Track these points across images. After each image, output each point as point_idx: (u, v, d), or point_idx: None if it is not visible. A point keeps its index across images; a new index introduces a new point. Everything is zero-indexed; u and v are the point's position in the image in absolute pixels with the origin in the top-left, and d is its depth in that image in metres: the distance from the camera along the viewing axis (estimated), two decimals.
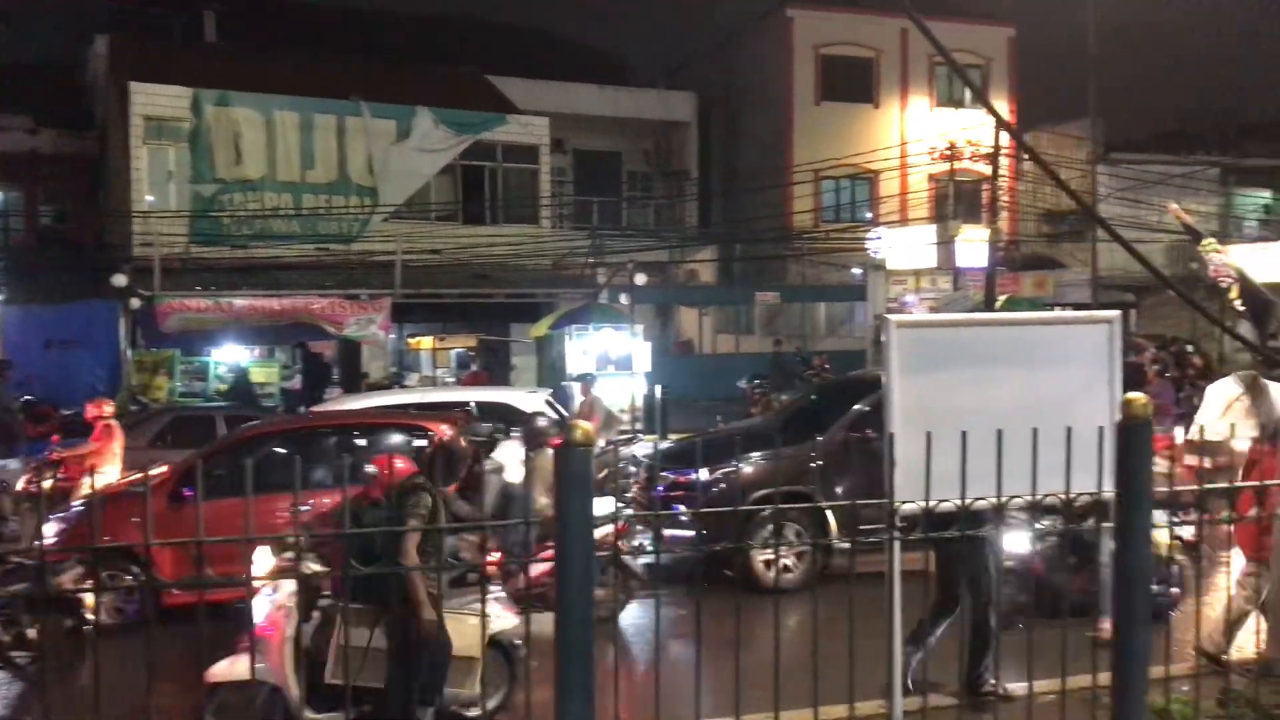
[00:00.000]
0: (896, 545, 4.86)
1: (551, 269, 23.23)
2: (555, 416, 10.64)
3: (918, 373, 5.47)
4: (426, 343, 24.03)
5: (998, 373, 5.57)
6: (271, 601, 5.69)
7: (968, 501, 4.04)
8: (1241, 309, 6.67)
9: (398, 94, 22.67)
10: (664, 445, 12.31)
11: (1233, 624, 6.06)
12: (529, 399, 11.33)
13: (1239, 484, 5.26)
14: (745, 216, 28.50)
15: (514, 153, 23.83)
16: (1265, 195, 30.41)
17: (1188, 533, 6.42)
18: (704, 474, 9.44)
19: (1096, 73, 27.00)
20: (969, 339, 5.68)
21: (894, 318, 5.45)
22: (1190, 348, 22.55)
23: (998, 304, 23.70)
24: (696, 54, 33.17)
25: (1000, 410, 5.44)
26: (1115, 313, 5.54)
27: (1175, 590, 7.09)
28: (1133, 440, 3.66)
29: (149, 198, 20.53)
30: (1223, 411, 7.00)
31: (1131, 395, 3.77)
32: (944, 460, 4.33)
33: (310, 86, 21.81)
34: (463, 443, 7.54)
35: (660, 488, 9.55)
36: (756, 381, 13.06)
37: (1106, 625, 6.28)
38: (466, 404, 10.57)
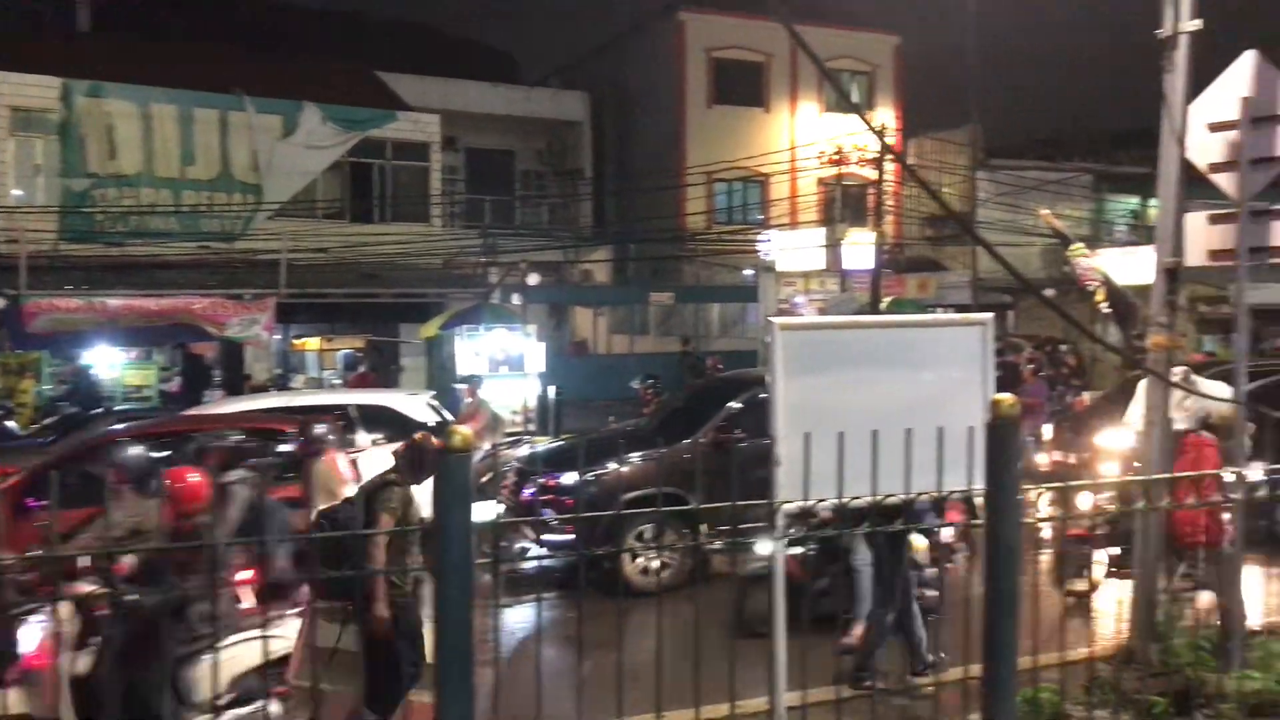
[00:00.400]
0: (780, 544, 4.94)
1: (442, 268, 22.94)
2: (439, 419, 10.51)
3: (802, 374, 5.56)
4: (313, 344, 23.45)
5: (879, 373, 5.71)
6: (44, 629, 5.16)
7: (845, 500, 4.11)
8: (1107, 311, 6.98)
9: (284, 89, 22.09)
10: (540, 447, 11.89)
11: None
12: (412, 402, 11.16)
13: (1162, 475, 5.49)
14: (640, 217, 28.61)
15: (404, 150, 23.47)
16: (1134, 201, 31.84)
17: (947, 533, 6.94)
18: (573, 477, 9.21)
19: (977, 81, 27.92)
20: (851, 341, 5.81)
21: (778, 320, 5.53)
22: (1064, 347, 23.50)
23: (883, 305, 24.32)
24: (590, 53, 33.17)
25: (881, 410, 5.59)
26: (988, 315, 5.73)
27: (933, 592, 7.06)
28: (1001, 438, 3.78)
29: (15, 191, 19.62)
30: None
31: (1000, 396, 3.89)
32: (827, 459, 4.42)
33: (191, 79, 21.10)
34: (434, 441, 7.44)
35: (529, 491, 9.39)
36: (650, 382, 13.11)
37: (857, 632, 6.58)
38: (340, 408, 10.32)
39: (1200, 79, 6.42)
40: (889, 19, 32.14)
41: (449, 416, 11.34)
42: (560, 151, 30.84)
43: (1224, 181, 6.40)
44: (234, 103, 21.42)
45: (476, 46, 34.60)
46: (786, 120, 30.25)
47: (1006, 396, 3.87)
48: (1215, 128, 6.37)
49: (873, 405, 5.56)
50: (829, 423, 5.47)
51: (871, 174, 25.26)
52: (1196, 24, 5.96)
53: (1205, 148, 6.44)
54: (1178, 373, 7.68)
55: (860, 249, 25.28)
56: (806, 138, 29.08)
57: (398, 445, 6.45)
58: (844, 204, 28.20)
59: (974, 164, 26.85)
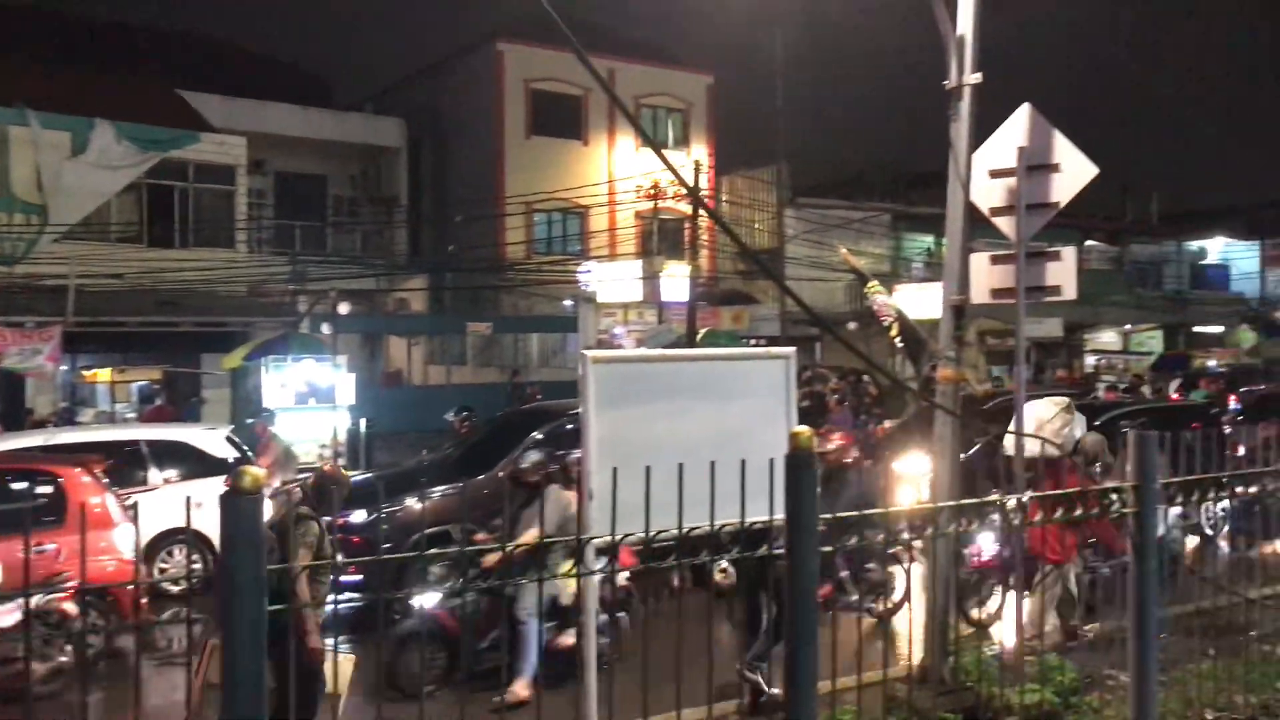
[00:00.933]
0: (594, 580, 4.92)
1: (247, 296, 21.99)
2: (239, 455, 10.02)
3: (613, 407, 5.60)
4: (105, 375, 21.99)
5: (689, 406, 5.81)
6: None
7: (652, 534, 4.14)
8: (900, 346, 7.36)
9: (74, 104, 20.77)
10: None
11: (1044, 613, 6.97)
12: (209, 437, 10.60)
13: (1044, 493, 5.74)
14: (458, 246, 28.31)
15: (207, 173, 22.44)
16: (929, 240, 33.78)
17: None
18: (362, 514, 8.73)
19: (787, 122, 29.07)
20: (662, 374, 5.89)
21: (590, 354, 5.54)
22: (866, 378, 24.61)
23: (699, 336, 24.89)
24: (407, 79, 32.71)
25: (691, 442, 5.69)
26: (790, 350, 5.93)
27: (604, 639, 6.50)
28: (799, 470, 3.90)
29: None
30: (1035, 431, 7.75)
31: (798, 429, 4.01)
32: (638, 492, 4.45)
33: None
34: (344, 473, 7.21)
35: None
36: (464, 414, 12.90)
37: (517, 689, 6.62)
38: (131, 443, 9.71)
39: (985, 127, 6.90)
40: (704, 59, 33.17)
41: (249, 452, 10.83)
42: (375, 178, 30.21)
43: (1004, 224, 6.87)
44: (16, 117, 20.00)
45: (292, 69, 33.52)
46: (605, 153, 30.65)
47: (804, 430, 3.99)
48: (996, 174, 6.83)
49: (683, 437, 5.65)
50: (640, 456, 5.53)
51: (688, 208, 25.89)
52: (977, 77, 6.39)
53: (987, 192, 6.90)
54: (1061, 402, 8.43)
55: (677, 282, 25.81)
56: (624, 171, 29.54)
57: (308, 477, 6.49)
58: (661, 237, 28.76)
59: (782, 202, 27.88)
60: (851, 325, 26.18)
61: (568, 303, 26.76)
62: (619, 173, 29.79)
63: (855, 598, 7.42)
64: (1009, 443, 7.23)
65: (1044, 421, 8.01)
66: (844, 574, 7.82)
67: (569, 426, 9.65)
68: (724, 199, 30.65)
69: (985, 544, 8.21)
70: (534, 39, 29.59)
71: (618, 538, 4.14)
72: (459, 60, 30.79)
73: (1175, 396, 20.60)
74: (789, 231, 28.45)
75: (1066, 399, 8.78)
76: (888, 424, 17.41)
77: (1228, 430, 10.82)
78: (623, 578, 7.15)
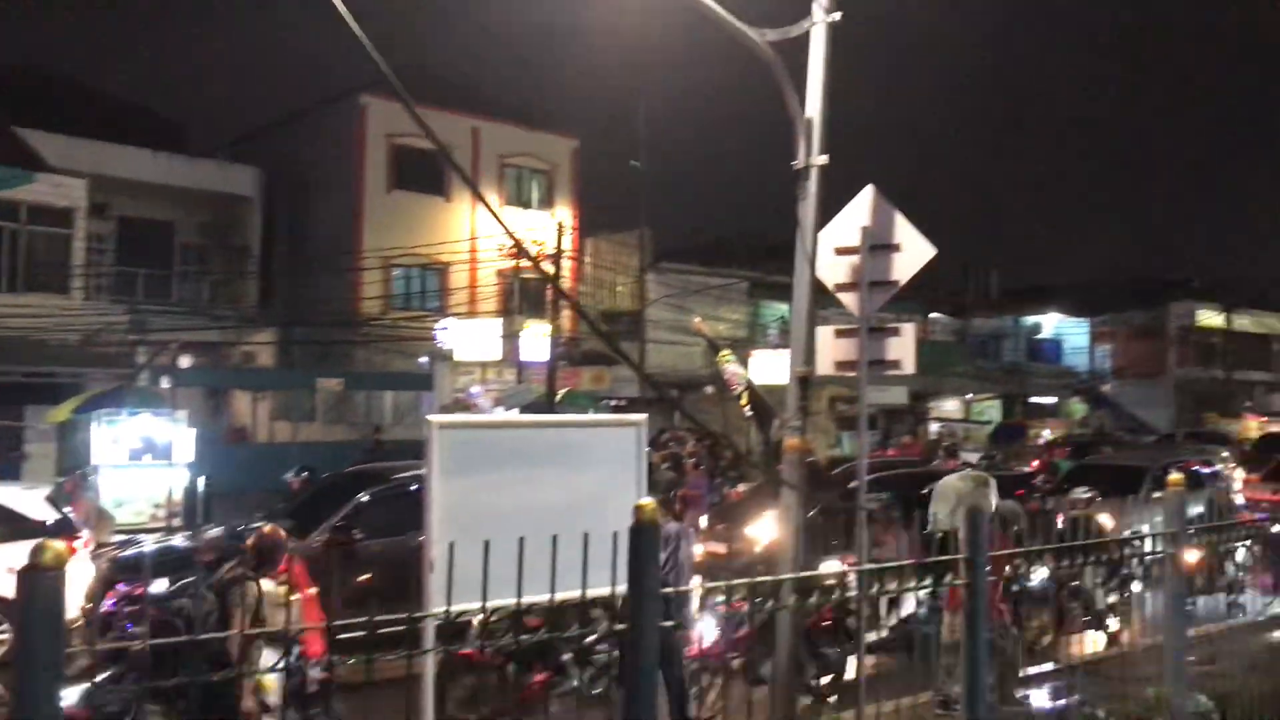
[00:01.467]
0: (430, 656, 4.77)
1: (80, 345, 20.83)
2: (59, 515, 9.40)
3: (459, 474, 5.50)
4: None
5: (538, 474, 5.76)
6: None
7: (489, 606, 4.03)
8: (750, 415, 7.50)
9: None
10: (149, 547, 10.12)
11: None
12: (25, 496, 9.89)
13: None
14: (311, 299, 27.56)
15: (42, 214, 21.32)
16: (784, 308, 34.75)
17: None
18: (164, 584, 8.04)
19: (650, 187, 29.58)
20: (510, 440, 5.83)
21: (435, 419, 5.45)
22: (725, 440, 24.93)
23: (558, 397, 24.83)
24: (267, 128, 31.92)
25: (540, 511, 5.63)
26: (642, 417, 5.96)
27: None
28: (641, 542, 3.88)
29: None
30: (954, 505, 8.26)
31: (642, 502, 4.00)
32: (480, 564, 4.34)
33: None
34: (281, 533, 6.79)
35: (110, 602, 8.12)
36: (304, 474, 12.45)
37: None
38: None
39: (833, 204, 7.16)
40: (571, 122, 33.57)
41: (69, 513, 10.16)
42: (226, 226, 29.21)
43: (848, 300, 7.11)
44: None
45: (146, 113, 32.25)
46: (467, 210, 30.51)
47: (649, 501, 3.99)
48: (841, 251, 7.08)
49: (532, 506, 5.59)
50: (486, 525, 5.44)
51: (550, 268, 25.94)
52: (823, 159, 6.64)
53: (833, 269, 7.14)
54: (979, 477, 8.94)
55: (537, 341, 25.75)
56: (487, 229, 29.48)
57: (249, 539, 6.16)
58: (523, 296, 28.72)
59: (644, 266, 28.28)
60: (709, 389, 26.58)
61: (423, 360, 26.34)
62: (482, 230, 29.69)
63: (575, 683, 7.18)
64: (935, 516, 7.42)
65: (964, 494, 8.50)
66: (565, 657, 7.46)
67: (402, 489, 9.37)
68: (587, 261, 30.87)
69: (708, 629, 7.47)
70: (397, 94, 29.42)
71: (454, 612, 4.02)
72: (321, 111, 30.28)
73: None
74: (650, 295, 28.84)
75: (982, 474, 9.31)
76: (742, 487, 17.64)
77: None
78: (316, 673, 6.10)
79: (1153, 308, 47.07)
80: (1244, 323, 45.45)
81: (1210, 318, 45.63)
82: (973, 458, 28.47)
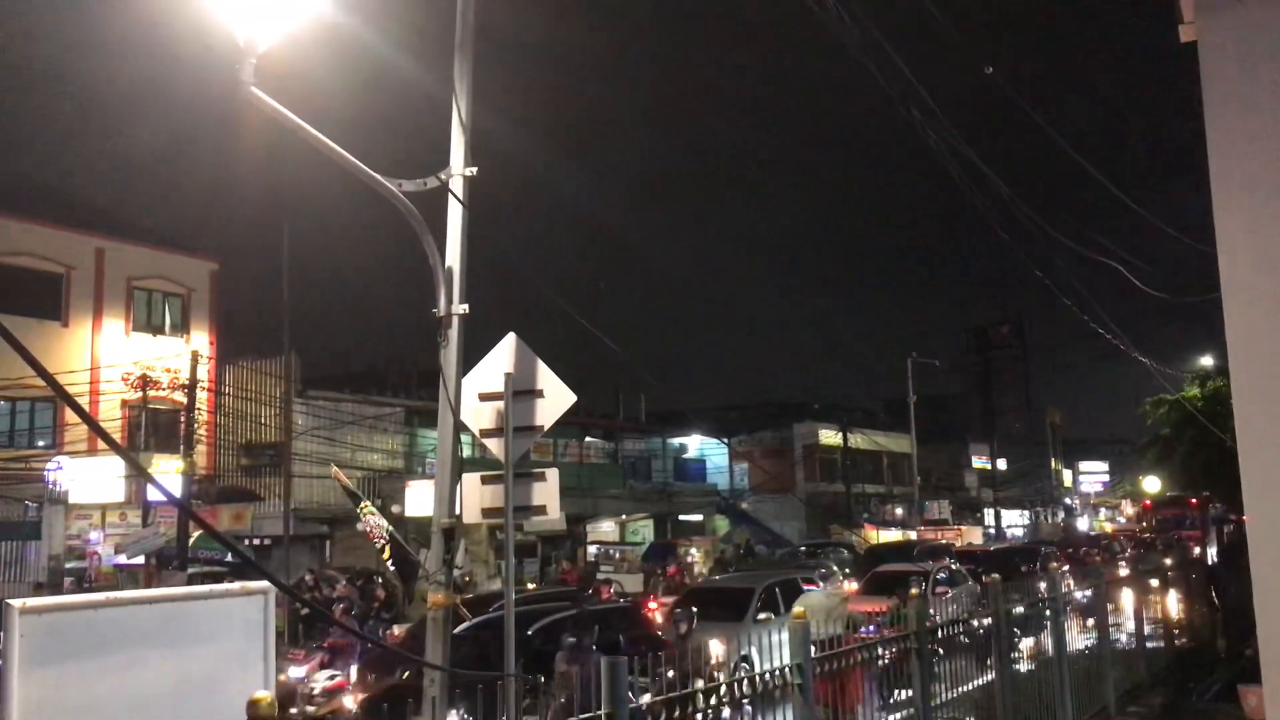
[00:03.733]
0: None
1: None
2: None
3: (48, 664, 4.78)
4: None
5: (143, 656, 5.12)
6: None
7: None
8: (393, 567, 7.18)
9: None
10: None
11: None
12: None
13: None
14: None
15: None
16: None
17: None
18: None
19: (296, 314, 28.48)
20: (111, 620, 5.14)
21: (14, 603, 4.71)
22: (379, 579, 23.91)
23: (192, 540, 22.79)
24: None
25: (145, 700, 5.01)
26: (267, 585, 5.49)
27: None
28: None
29: None
30: (825, 618, 9.33)
31: (257, 695, 3.64)
32: None
33: None
34: None
35: None
36: None
37: None
38: None
39: (484, 345, 7.15)
40: (212, 245, 31.83)
41: None
42: None
43: (493, 445, 7.07)
44: None
45: None
46: (88, 337, 27.81)
47: (265, 695, 3.63)
48: (485, 397, 7.05)
49: (135, 695, 4.96)
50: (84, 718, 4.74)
51: (184, 399, 24.07)
52: (464, 308, 6.63)
53: (477, 414, 7.09)
54: (839, 593, 10.90)
55: (168, 478, 23.58)
56: (111, 357, 26.97)
57: None
58: (153, 430, 26.38)
59: (290, 394, 26.94)
60: (360, 527, 25.49)
61: (31, 504, 23.33)
62: (105, 358, 27.11)
63: None
64: None
65: (831, 609, 10.03)
66: None
67: None
68: (226, 390, 28.98)
69: None
70: (7, 212, 26.64)
71: None
72: None
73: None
74: (298, 424, 27.45)
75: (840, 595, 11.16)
76: (397, 630, 16.85)
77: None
78: None
79: (780, 429, 51.40)
80: (858, 441, 50.62)
81: (830, 437, 50.45)
82: (629, 580, 29.28)
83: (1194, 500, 34.94)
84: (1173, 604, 13.16)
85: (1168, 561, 13.78)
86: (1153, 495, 46.97)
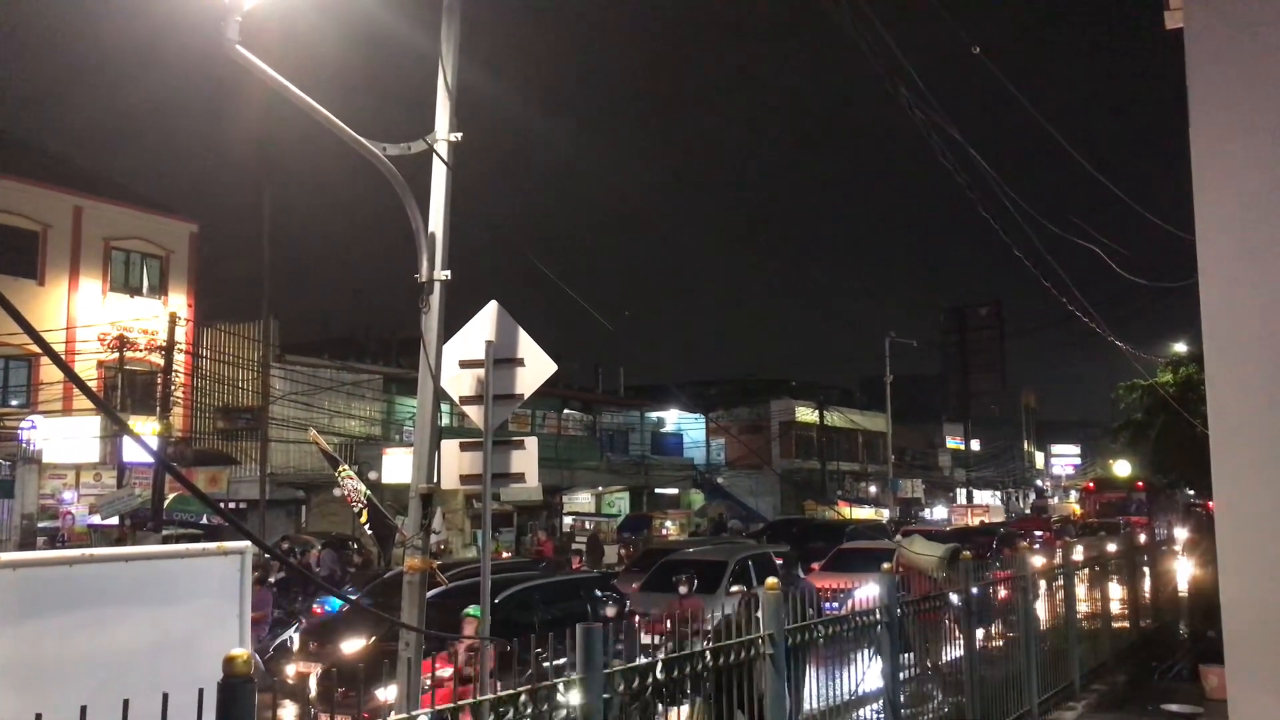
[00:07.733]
0: None
1: None
2: None
3: (18, 622, 4.77)
4: None
5: (121, 614, 5.13)
6: None
7: None
8: (370, 532, 7.19)
9: None
10: None
11: None
12: None
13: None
14: None
15: None
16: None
17: None
18: None
19: (276, 278, 28.28)
20: (85, 577, 5.14)
21: None
22: (355, 545, 23.95)
23: (166, 502, 22.73)
24: None
25: (122, 658, 5.01)
26: (246, 544, 5.50)
27: None
28: (232, 699, 3.52)
29: None
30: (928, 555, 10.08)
31: (234, 653, 3.64)
32: None
33: None
34: None
35: None
36: None
37: None
38: None
39: (463, 316, 7.13)
40: (192, 206, 31.48)
41: None
42: None
43: (473, 413, 7.07)
44: None
45: None
46: (64, 296, 27.53)
47: (242, 653, 3.63)
48: (465, 364, 7.05)
49: (112, 652, 4.97)
50: (50, 681, 4.74)
51: (161, 360, 23.93)
52: (446, 274, 6.61)
53: (458, 381, 7.09)
54: (952, 547, 10.85)
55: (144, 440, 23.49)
56: (88, 317, 26.73)
57: None
58: (129, 391, 26.21)
59: (268, 359, 26.79)
60: (337, 492, 25.49)
61: (3, 462, 23.18)
62: (82, 318, 26.87)
63: None
64: None
65: (936, 554, 10.42)
66: None
67: None
68: (204, 353, 28.79)
69: None
70: None
71: None
72: None
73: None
74: (276, 389, 27.34)
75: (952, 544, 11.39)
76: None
77: None
78: None
79: (757, 405, 51.59)
80: (834, 419, 50.90)
81: (806, 414, 50.68)
82: (611, 551, 29.38)
83: (1140, 484, 34.59)
84: (1115, 590, 13.11)
85: (1111, 549, 13.49)
86: (1094, 478, 46.60)
